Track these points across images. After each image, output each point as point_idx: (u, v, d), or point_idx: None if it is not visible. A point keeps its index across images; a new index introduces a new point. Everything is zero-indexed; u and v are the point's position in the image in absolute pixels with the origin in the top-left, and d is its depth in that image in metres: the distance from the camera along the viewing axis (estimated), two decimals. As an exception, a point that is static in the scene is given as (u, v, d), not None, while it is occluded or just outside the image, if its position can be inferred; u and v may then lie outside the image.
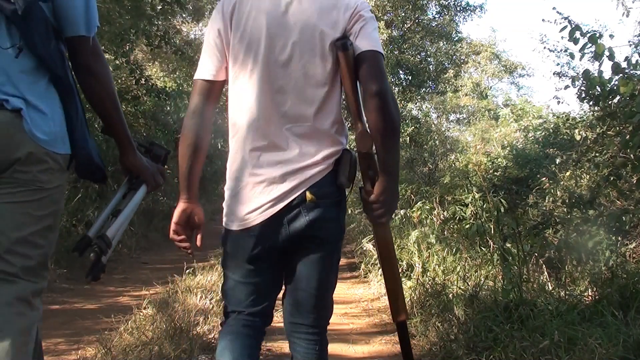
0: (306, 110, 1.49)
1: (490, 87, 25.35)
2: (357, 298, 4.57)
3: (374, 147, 1.49)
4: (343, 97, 1.58)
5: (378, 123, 1.43)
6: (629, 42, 6.09)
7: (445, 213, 5.86)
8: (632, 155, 3.73)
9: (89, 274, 1.57)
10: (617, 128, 4.36)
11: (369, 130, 1.47)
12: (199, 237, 1.62)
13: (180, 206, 1.56)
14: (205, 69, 1.55)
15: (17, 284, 1.42)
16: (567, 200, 5.07)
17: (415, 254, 4.77)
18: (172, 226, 1.57)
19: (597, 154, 4.92)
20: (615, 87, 3.74)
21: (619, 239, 4.00)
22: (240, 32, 1.50)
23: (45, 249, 1.48)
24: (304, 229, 1.48)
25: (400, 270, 4.55)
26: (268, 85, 1.49)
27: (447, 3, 15.23)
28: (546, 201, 5.57)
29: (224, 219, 1.57)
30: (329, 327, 1.69)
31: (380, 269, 1.76)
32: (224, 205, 1.57)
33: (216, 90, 1.56)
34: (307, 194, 1.47)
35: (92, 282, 1.60)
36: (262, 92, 1.49)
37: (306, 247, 1.53)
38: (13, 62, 1.46)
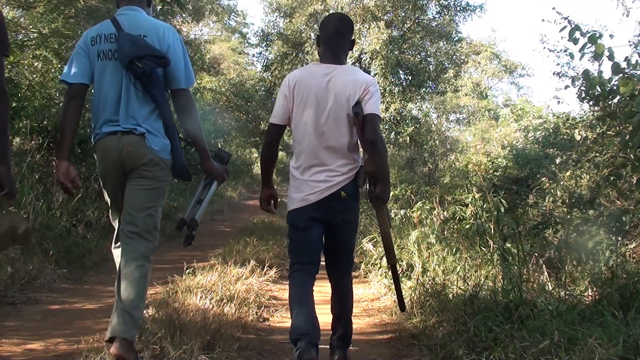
0: (338, 144, 2.51)
1: (490, 87, 25.31)
2: (357, 298, 4.55)
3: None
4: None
5: (372, 155, 2.49)
6: (629, 42, 6.07)
7: (445, 213, 5.86)
8: (632, 155, 3.72)
9: (185, 242, 2.57)
10: (617, 128, 4.35)
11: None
12: (276, 204, 2.77)
13: (264, 191, 2.73)
14: (278, 118, 2.59)
15: (141, 242, 2.39)
16: (567, 200, 5.05)
17: (415, 254, 4.78)
18: (262, 202, 2.74)
19: (597, 154, 4.91)
20: (615, 87, 3.74)
21: (619, 239, 4.00)
22: (299, 99, 2.53)
23: (156, 218, 2.47)
24: (338, 213, 2.53)
25: (400, 270, 4.57)
26: (317, 131, 2.50)
27: (447, 3, 15.24)
28: (546, 201, 5.56)
29: (288, 204, 2.59)
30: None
31: (382, 248, 2.77)
32: (288, 197, 2.61)
33: (282, 131, 2.66)
34: (342, 193, 2.49)
35: (187, 246, 2.57)
36: (313, 135, 2.51)
37: (339, 223, 2.56)
38: (137, 104, 2.40)
